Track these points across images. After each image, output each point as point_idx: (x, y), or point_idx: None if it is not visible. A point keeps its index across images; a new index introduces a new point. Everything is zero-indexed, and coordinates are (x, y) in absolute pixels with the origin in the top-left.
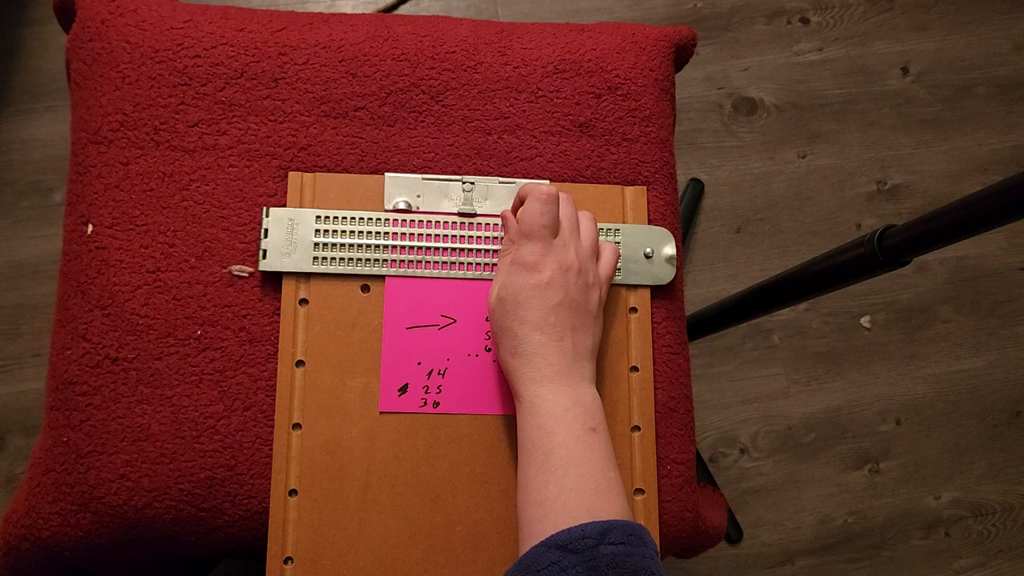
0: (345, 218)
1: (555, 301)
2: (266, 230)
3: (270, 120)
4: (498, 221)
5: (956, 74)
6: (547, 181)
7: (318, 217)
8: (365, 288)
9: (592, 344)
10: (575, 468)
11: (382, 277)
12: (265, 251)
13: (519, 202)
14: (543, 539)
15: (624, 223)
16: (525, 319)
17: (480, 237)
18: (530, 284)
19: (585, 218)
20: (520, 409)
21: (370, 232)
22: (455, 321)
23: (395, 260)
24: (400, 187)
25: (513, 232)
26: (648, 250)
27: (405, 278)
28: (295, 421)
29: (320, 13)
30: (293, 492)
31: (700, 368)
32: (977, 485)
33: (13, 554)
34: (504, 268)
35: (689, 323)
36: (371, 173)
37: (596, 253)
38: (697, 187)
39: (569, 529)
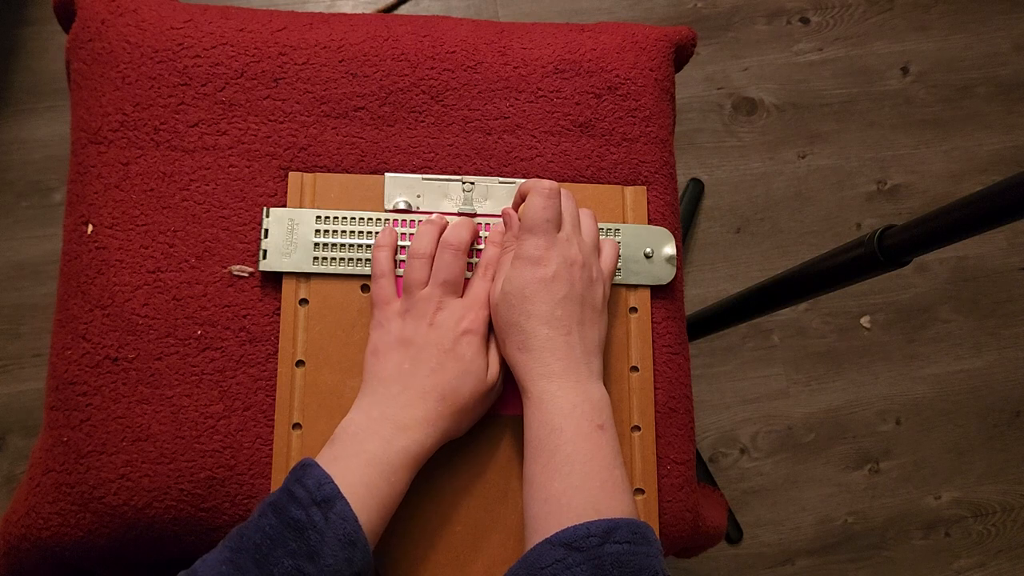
0: (345, 218)
1: (561, 295)
2: (266, 230)
3: (270, 120)
4: (498, 221)
5: (956, 74)
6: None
7: (318, 217)
8: (365, 288)
9: (599, 339)
10: (581, 466)
11: None
12: (265, 251)
13: (520, 199)
14: (548, 536)
15: (624, 223)
16: (532, 313)
17: (480, 237)
18: (535, 278)
19: (585, 215)
20: (527, 405)
21: (370, 232)
22: None
23: (396, 261)
24: (400, 187)
25: (515, 228)
26: (648, 250)
27: None
28: (295, 421)
29: (320, 13)
30: None
31: (700, 368)
32: (977, 485)
33: (13, 554)
34: (507, 264)
35: (689, 323)
36: (371, 173)
37: (597, 248)
38: (697, 187)
39: (574, 527)
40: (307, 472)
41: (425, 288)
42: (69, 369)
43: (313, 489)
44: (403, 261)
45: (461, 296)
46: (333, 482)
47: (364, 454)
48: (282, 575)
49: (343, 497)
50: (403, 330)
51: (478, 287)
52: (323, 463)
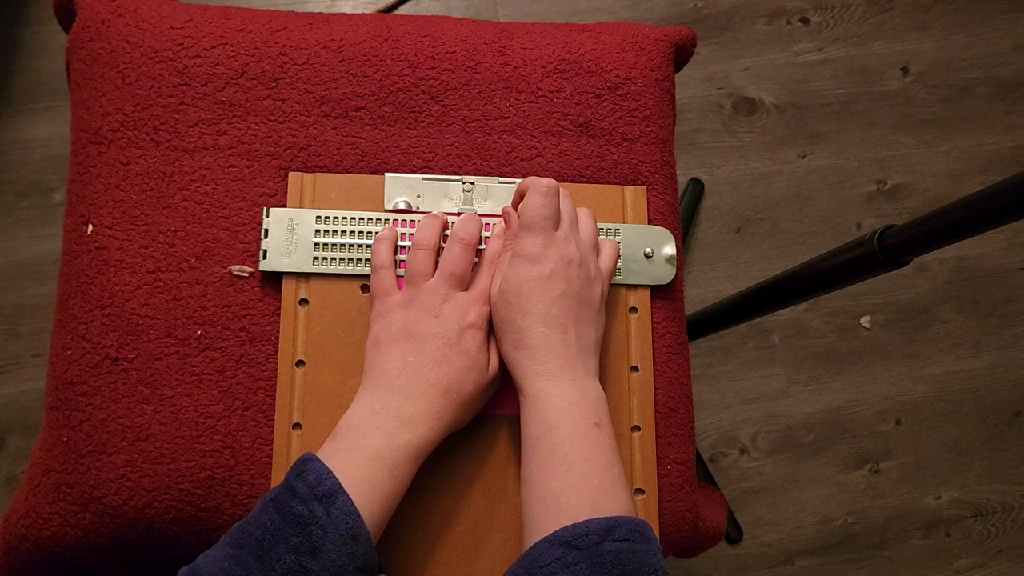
0: (345, 218)
1: (558, 293)
2: (266, 230)
3: (270, 120)
4: (498, 221)
5: (956, 74)
6: None
7: (318, 217)
8: (365, 288)
9: (596, 337)
10: (579, 464)
11: None
12: (265, 251)
13: (519, 197)
14: (547, 535)
15: (624, 223)
16: (528, 311)
17: (482, 237)
18: (532, 276)
19: (584, 214)
20: (524, 403)
21: (370, 232)
22: None
23: (395, 260)
24: (400, 187)
25: (515, 226)
26: (648, 250)
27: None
28: (295, 421)
29: (320, 13)
30: None
31: (700, 368)
32: (977, 485)
33: (13, 554)
34: (505, 262)
35: (689, 323)
36: (371, 173)
37: (596, 247)
38: (697, 187)
39: (573, 525)
40: (308, 467)
41: (431, 280)
42: (69, 369)
43: (314, 484)
44: (403, 262)
45: (466, 290)
46: (334, 476)
47: (366, 448)
48: (284, 570)
49: (344, 492)
50: (406, 321)
51: (484, 281)
52: (324, 457)
